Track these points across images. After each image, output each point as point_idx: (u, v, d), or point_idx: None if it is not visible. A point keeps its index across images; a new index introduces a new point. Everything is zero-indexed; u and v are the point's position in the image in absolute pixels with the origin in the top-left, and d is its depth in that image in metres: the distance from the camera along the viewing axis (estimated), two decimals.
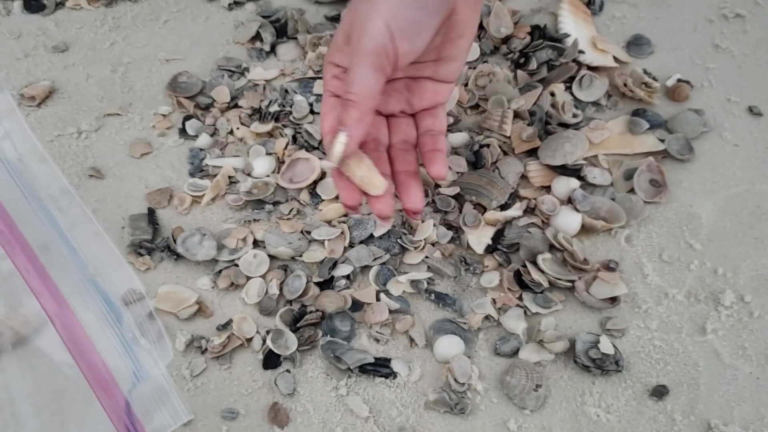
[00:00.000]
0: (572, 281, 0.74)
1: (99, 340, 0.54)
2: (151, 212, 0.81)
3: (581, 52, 0.91)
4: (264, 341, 0.72)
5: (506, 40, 0.95)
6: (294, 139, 0.87)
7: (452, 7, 0.57)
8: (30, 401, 0.54)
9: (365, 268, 0.77)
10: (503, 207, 0.80)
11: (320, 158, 0.83)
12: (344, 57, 0.58)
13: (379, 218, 0.59)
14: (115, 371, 0.54)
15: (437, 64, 0.62)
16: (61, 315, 0.53)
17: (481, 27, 0.97)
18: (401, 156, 0.63)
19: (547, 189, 0.82)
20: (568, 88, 0.90)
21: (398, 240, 0.78)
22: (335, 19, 1.00)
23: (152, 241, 0.79)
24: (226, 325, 0.74)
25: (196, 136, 0.88)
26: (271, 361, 0.72)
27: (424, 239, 0.78)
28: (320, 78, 0.92)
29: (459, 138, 0.86)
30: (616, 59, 0.93)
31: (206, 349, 0.72)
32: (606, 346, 0.70)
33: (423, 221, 0.79)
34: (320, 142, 0.85)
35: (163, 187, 0.84)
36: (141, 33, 0.99)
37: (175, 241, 0.78)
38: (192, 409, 0.68)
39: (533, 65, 0.91)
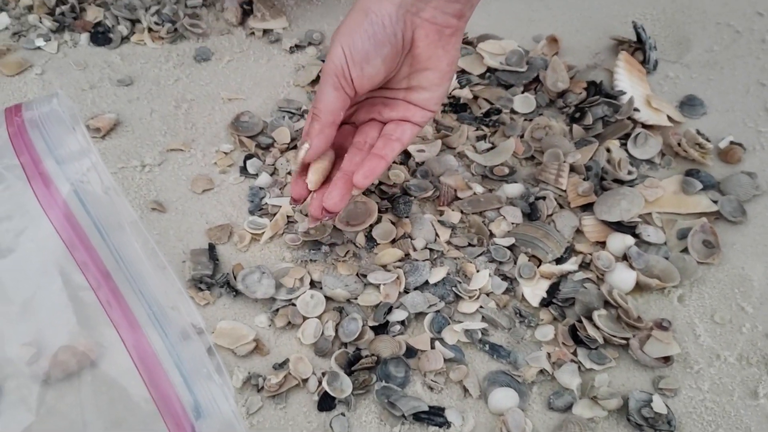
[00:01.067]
0: (627, 339, 0.75)
1: (170, 370, 0.55)
2: (212, 248, 0.83)
3: (636, 110, 0.93)
4: (320, 383, 0.73)
5: (562, 94, 0.97)
6: None
7: (409, 41, 0.67)
8: (101, 424, 0.55)
9: (420, 315, 0.78)
10: (558, 261, 0.81)
11: (377, 203, 0.85)
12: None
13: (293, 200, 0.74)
14: (187, 404, 0.55)
15: (408, 91, 0.71)
16: (137, 345, 0.55)
17: (537, 80, 0.99)
18: (351, 156, 0.73)
19: (602, 245, 0.83)
20: (623, 145, 0.91)
21: (453, 288, 0.79)
22: None
23: (212, 277, 0.81)
24: (282, 365, 0.75)
25: (257, 174, 0.90)
26: (326, 403, 0.72)
27: (479, 289, 0.79)
28: None
29: (514, 189, 0.87)
30: (669, 119, 0.95)
31: (263, 387, 0.73)
32: (659, 405, 0.71)
33: (478, 271, 0.80)
34: (376, 186, 0.87)
35: (223, 223, 0.86)
36: (204, 71, 1.02)
37: (235, 278, 0.79)
38: None
39: (589, 120, 0.92)
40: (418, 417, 0.71)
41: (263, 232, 0.84)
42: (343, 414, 0.72)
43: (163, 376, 0.54)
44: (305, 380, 0.74)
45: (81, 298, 0.55)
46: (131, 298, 0.56)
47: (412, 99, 0.71)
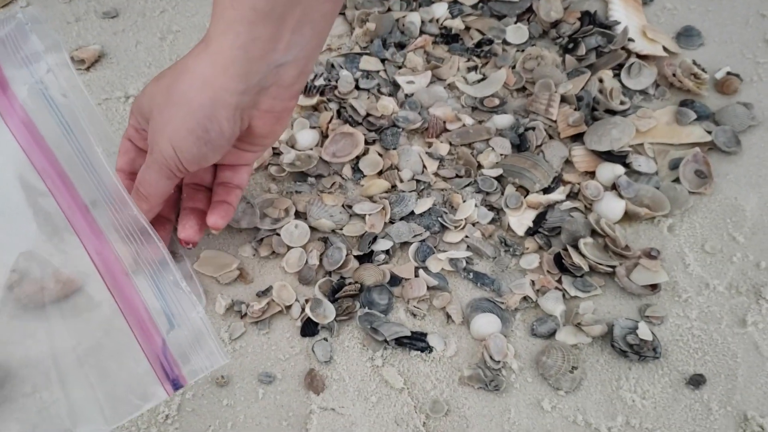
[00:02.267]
0: (613, 267, 0.74)
1: (139, 280, 0.55)
2: None
3: (631, 40, 0.91)
4: (303, 309, 0.73)
5: (555, 24, 0.94)
6: (338, 113, 0.87)
7: (245, 129, 0.63)
8: (73, 353, 0.55)
9: (405, 245, 0.78)
10: (546, 190, 0.80)
11: (364, 134, 0.83)
12: (144, 121, 0.63)
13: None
14: (154, 312, 0.55)
15: (239, 147, 0.67)
16: (103, 254, 0.54)
17: (530, 10, 0.96)
18: (190, 194, 0.72)
19: (592, 175, 0.82)
20: (617, 76, 0.89)
21: (439, 218, 0.78)
22: None
23: None
24: (266, 292, 0.74)
25: None
26: (308, 328, 0.72)
27: (465, 219, 0.78)
28: (367, 54, 0.93)
29: (504, 120, 0.85)
30: (665, 49, 0.92)
31: (245, 314, 0.73)
32: (644, 332, 0.70)
33: (465, 201, 0.79)
34: (364, 118, 0.86)
35: None
36: (191, 2, 1.00)
37: None
38: (229, 371, 0.69)
39: (582, 51, 0.90)
40: (400, 342, 0.71)
41: None
42: (325, 339, 0.72)
43: (129, 284, 0.54)
44: (288, 307, 0.74)
45: (41, 205, 0.54)
46: (94, 205, 0.55)
47: (245, 148, 0.67)
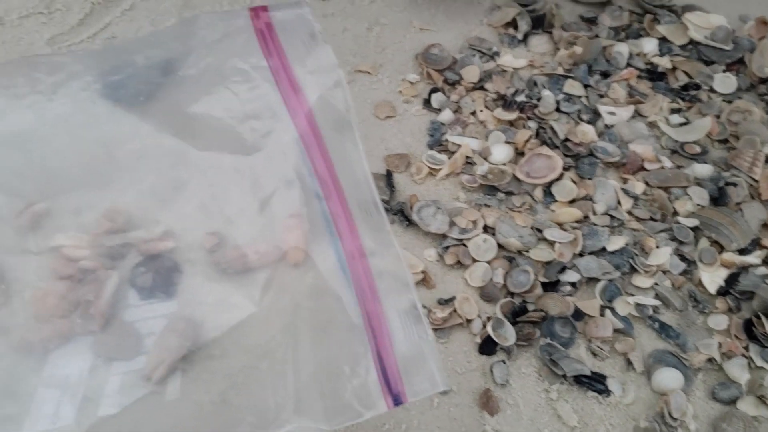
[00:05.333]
0: None
1: (383, 294, 0.56)
2: (389, 174, 0.83)
3: None
4: (484, 326, 0.73)
5: (766, 80, 0.91)
6: (536, 133, 0.86)
7: None
8: (309, 324, 0.56)
9: (591, 280, 0.77)
10: (742, 251, 0.78)
11: (563, 159, 0.83)
12: None
13: None
14: (394, 327, 0.56)
15: None
16: (355, 254, 0.55)
17: (741, 61, 0.94)
18: None
19: None
20: None
21: (630, 259, 0.77)
22: (591, 21, 0.99)
23: (388, 203, 0.81)
24: (448, 301, 0.75)
25: (440, 109, 0.89)
26: (487, 347, 0.72)
27: (657, 265, 0.76)
28: (571, 77, 0.91)
29: (704, 170, 0.84)
30: None
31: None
32: None
33: (658, 247, 0.77)
34: (562, 142, 0.85)
35: (402, 152, 0.86)
36: None
37: (411, 208, 0.79)
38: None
39: None
40: (578, 380, 0.70)
41: (440, 168, 0.84)
42: (503, 361, 0.72)
43: (376, 297, 0.55)
44: (469, 321, 0.74)
45: (313, 205, 0.56)
46: (356, 215, 0.56)
47: None
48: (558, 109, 0.89)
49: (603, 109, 0.88)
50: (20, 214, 0.70)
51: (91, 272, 0.65)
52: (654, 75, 0.93)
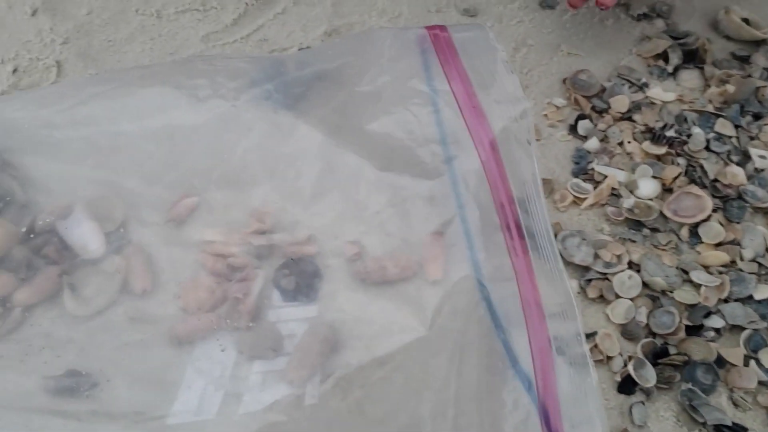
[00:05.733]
0: None
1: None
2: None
3: None
4: (624, 365, 0.73)
5: None
6: (685, 171, 0.85)
7: None
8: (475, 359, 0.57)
9: (735, 327, 0.76)
10: None
11: (712, 200, 0.82)
12: None
13: None
14: (558, 364, 0.57)
15: None
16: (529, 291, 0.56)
17: None
18: None
19: None
20: None
21: None
22: (743, 59, 0.97)
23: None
24: (589, 336, 0.75)
25: (586, 137, 0.89)
26: (626, 387, 0.72)
27: None
28: (722, 116, 0.90)
29: None
30: None
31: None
32: None
33: None
34: (712, 182, 0.84)
35: (546, 177, 0.86)
36: (547, 19, 1.00)
37: (555, 236, 0.79)
38: None
39: None
40: (719, 429, 0.70)
41: (585, 198, 0.84)
42: (642, 402, 0.71)
43: (545, 331, 0.56)
44: (609, 358, 0.74)
45: (492, 238, 0.56)
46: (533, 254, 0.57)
47: None
48: (707, 148, 0.87)
49: (754, 152, 0.87)
50: (174, 205, 0.72)
51: (240, 270, 0.67)
52: None
